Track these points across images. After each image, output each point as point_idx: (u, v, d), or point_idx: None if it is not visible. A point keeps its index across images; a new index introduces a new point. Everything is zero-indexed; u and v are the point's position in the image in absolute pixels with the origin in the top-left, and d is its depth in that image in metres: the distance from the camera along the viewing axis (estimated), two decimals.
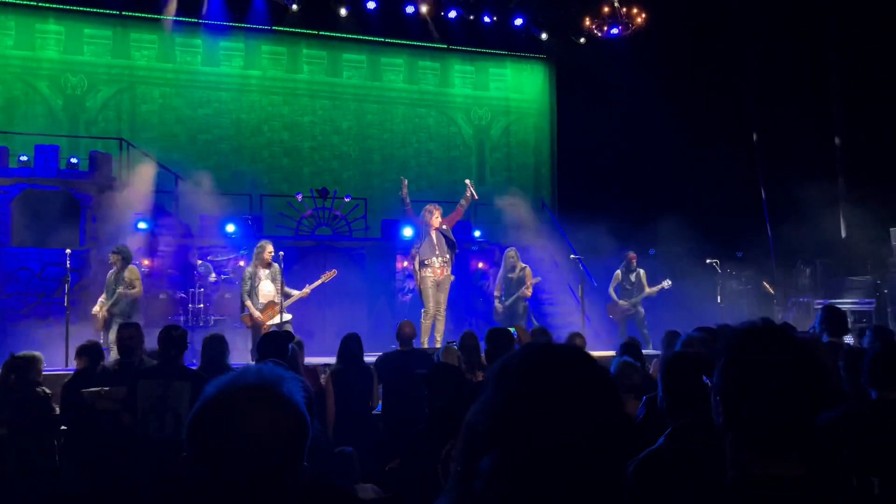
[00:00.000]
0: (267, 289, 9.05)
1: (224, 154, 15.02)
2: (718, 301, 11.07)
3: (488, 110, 17.21)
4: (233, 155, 15.11)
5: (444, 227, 9.33)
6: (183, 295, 10.71)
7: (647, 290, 11.23)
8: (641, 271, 11.33)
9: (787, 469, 1.33)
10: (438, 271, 9.15)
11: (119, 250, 9.10)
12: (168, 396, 4.64)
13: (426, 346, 8.93)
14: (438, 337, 9.11)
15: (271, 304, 9.01)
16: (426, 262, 9.20)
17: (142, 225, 11.47)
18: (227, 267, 11.25)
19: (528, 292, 10.46)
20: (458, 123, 16.95)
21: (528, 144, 17.46)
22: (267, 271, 9.09)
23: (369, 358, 6.73)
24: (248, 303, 8.92)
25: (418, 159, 16.46)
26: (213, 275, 10.84)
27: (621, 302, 11.21)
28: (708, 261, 11.21)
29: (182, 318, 10.07)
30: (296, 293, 9.23)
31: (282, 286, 9.05)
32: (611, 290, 11.40)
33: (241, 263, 11.20)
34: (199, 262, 10.87)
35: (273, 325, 8.81)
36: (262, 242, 9.30)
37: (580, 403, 1.14)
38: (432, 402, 3.31)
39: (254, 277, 9.02)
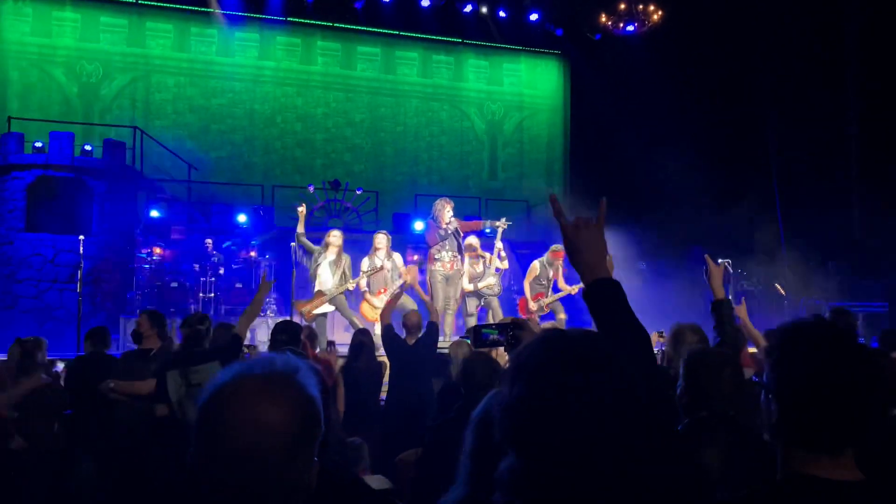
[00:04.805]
0: (324, 276, 8.84)
1: (237, 144, 15.08)
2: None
3: (502, 105, 17.18)
4: (245, 145, 15.16)
5: (457, 225, 9.27)
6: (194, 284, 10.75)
7: (565, 288, 9.57)
8: (559, 262, 9.58)
9: (840, 472, 1.29)
10: (448, 265, 9.12)
11: None
12: (203, 379, 4.54)
13: None
14: (447, 330, 9.10)
15: (319, 293, 8.80)
16: (436, 256, 9.18)
17: (154, 213, 11.53)
18: (239, 257, 11.28)
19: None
20: (471, 118, 16.93)
21: (541, 140, 17.42)
22: (331, 258, 8.86)
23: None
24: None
25: (430, 153, 16.46)
26: (221, 268, 10.83)
27: (531, 304, 9.57)
28: (720, 261, 11.10)
29: (193, 307, 10.12)
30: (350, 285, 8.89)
31: (344, 279, 8.80)
32: (525, 284, 9.79)
33: (253, 254, 11.24)
34: (215, 253, 10.89)
35: (318, 314, 8.74)
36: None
37: (607, 399, 1.07)
38: (468, 393, 3.30)
39: (318, 257, 8.87)
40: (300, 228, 8.89)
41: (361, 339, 6.37)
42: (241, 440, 1.11)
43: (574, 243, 1.61)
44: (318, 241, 9.09)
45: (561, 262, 9.63)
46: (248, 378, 1.16)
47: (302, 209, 8.95)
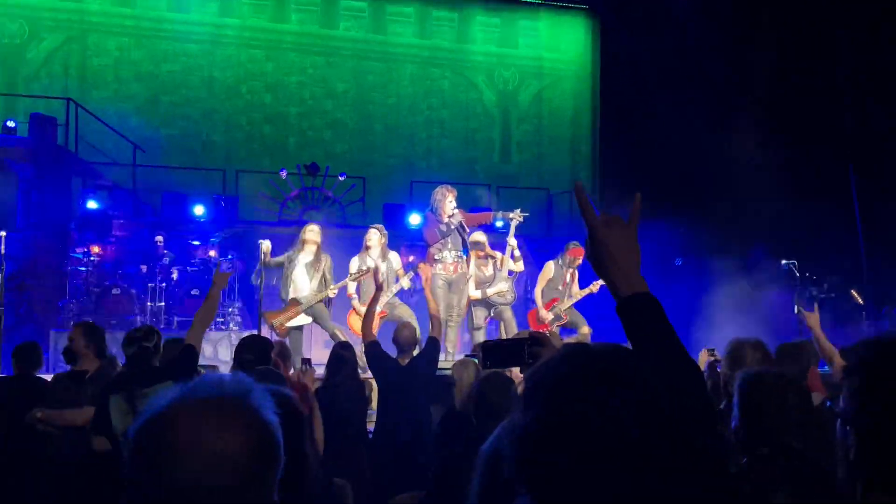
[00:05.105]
0: (299, 281, 8.86)
1: (193, 120, 15.11)
2: (795, 311, 10.98)
3: (516, 72, 17.20)
4: (203, 121, 15.19)
5: (460, 218, 9.21)
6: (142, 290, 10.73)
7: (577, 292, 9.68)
8: (579, 262, 9.70)
9: None
10: (451, 268, 9.12)
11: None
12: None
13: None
14: (450, 347, 9.10)
15: (293, 301, 8.79)
16: (436, 257, 9.19)
17: (92, 204, 11.50)
18: (195, 258, 11.26)
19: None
20: (479, 88, 16.95)
21: (565, 115, 17.45)
22: (307, 258, 8.89)
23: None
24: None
25: (429, 130, 16.51)
26: (174, 271, 10.81)
27: (543, 313, 9.66)
28: (784, 262, 11.12)
29: (139, 319, 10.10)
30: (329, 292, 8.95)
31: (323, 284, 8.86)
32: (537, 292, 9.86)
33: (212, 254, 11.21)
34: (166, 252, 10.87)
35: (292, 327, 8.78)
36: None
37: (633, 413, 1.10)
38: (480, 419, 3.40)
39: (291, 262, 8.91)
40: (266, 259, 8.89)
41: (341, 352, 6.33)
42: (186, 471, 1.13)
43: (605, 244, 1.59)
44: (291, 238, 9.06)
45: (580, 261, 9.58)
46: (193, 401, 1.19)
47: (265, 246, 8.90)
